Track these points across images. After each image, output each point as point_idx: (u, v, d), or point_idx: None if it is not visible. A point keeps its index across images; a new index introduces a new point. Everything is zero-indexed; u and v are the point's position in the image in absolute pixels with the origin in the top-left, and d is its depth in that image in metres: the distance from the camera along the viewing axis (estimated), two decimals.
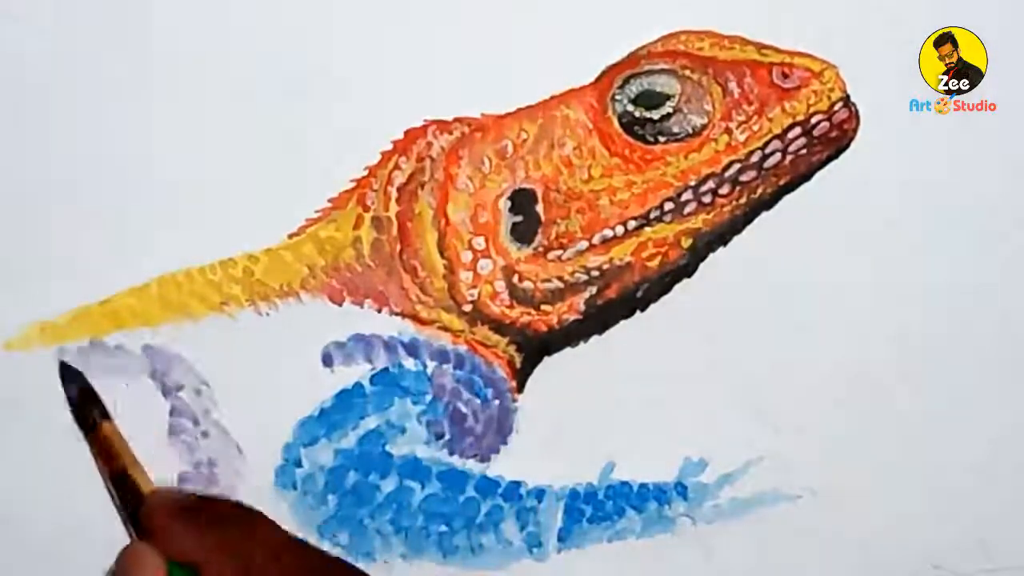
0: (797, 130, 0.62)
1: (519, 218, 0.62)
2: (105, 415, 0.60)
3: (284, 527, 0.59)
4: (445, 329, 0.63)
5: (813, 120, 0.62)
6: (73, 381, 0.60)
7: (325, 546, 0.61)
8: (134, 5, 0.60)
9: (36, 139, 0.61)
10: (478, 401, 0.63)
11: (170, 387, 0.62)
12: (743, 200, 0.63)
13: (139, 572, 0.54)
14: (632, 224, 0.62)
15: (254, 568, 0.54)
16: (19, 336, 0.61)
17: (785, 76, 0.62)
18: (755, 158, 0.62)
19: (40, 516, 0.61)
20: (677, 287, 0.63)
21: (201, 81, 0.61)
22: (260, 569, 0.54)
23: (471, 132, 0.63)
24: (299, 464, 0.62)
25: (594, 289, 0.63)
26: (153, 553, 0.55)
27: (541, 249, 0.62)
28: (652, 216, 0.62)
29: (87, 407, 0.60)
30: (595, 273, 0.63)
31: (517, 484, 0.63)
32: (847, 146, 0.62)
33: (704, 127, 0.62)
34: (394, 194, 0.63)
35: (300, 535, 0.60)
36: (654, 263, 0.63)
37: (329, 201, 0.62)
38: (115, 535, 0.58)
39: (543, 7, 0.62)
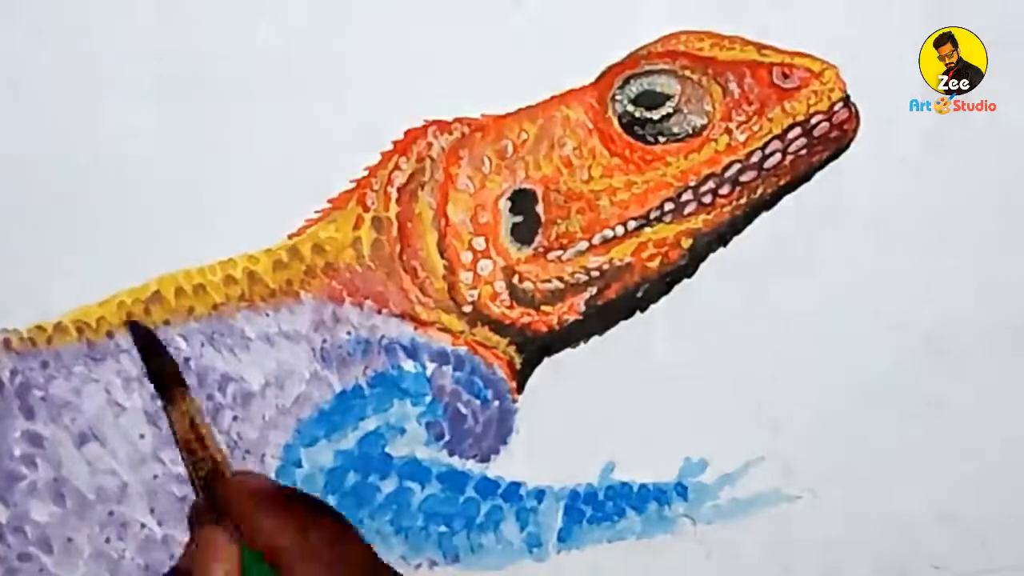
0: (797, 130, 0.62)
1: (519, 218, 0.62)
2: (181, 378, 0.57)
3: None
4: (445, 330, 0.63)
5: (813, 120, 0.62)
6: (141, 338, 0.59)
7: None
8: (135, 5, 0.60)
9: (36, 139, 0.61)
10: (478, 402, 0.63)
11: None
12: (743, 200, 0.62)
13: (212, 558, 0.50)
14: (632, 224, 0.62)
15: (344, 566, 0.49)
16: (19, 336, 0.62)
17: (785, 76, 0.62)
18: (755, 158, 0.62)
19: None
20: (677, 287, 0.63)
21: (201, 81, 0.61)
22: (349, 569, 0.50)
23: (471, 132, 0.63)
24: (299, 464, 0.62)
25: (594, 289, 0.63)
26: (227, 538, 0.50)
27: (541, 249, 0.62)
28: (652, 216, 0.62)
29: (163, 366, 0.58)
30: (595, 273, 0.63)
31: (517, 484, 0.63)
32: (847, 146, 0.62)
33: (704, 127, 0.62)
34: (394, 194, 0.63)
35: None
36: (654, 263, 0.63)
37: (329, 201, 0.62)
38: None
39: (543, 7, 0.61)
